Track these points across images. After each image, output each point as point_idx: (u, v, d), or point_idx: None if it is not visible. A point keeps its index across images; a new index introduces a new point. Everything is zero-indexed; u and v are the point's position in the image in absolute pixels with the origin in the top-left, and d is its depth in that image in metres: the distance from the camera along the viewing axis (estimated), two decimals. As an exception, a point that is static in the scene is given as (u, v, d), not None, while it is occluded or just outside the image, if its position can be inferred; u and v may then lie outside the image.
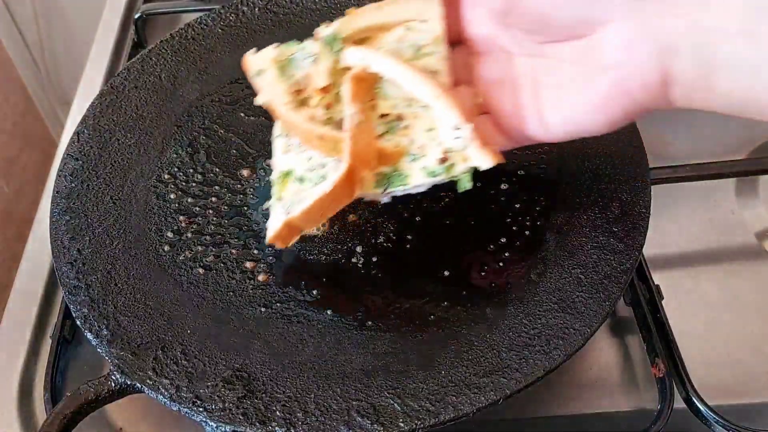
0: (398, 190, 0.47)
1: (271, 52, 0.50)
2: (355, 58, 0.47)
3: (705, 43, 0.35)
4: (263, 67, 0.50)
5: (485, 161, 0.44)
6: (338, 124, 0.47)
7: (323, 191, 0.45)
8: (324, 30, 0.49)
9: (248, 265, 0.53)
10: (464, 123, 0.44)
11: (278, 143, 0.50)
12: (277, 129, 0.51)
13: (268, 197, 0.50)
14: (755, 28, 0.33)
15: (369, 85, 0.48)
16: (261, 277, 0.52)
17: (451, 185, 0.46)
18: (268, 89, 0.49)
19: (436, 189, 0.48)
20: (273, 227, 0.48)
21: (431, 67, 0.47)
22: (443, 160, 0.45)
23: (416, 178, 0.45)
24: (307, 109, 0.48)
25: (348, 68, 0.48)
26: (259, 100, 0.49)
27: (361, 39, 0.49)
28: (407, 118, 0.47)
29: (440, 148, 0.45)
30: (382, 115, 0.47)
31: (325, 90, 0.48)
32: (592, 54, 0.40)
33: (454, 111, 0.44)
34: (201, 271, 0.52)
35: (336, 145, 0.46)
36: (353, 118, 0.45)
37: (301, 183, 0.48)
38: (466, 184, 0.45)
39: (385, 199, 0.49)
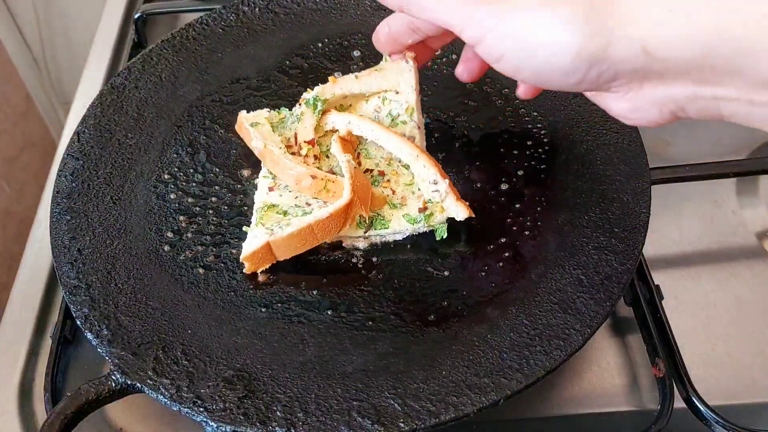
0: (379, 234, 0.53)
1: (264, 113, 0.57)
2: (342, 122, 0.55)
3: (710, 107, 0.38)
4: (258, 121, 0.57)
5: (460, 213, 0.51)
6: (328, 173, 0.53)
7: (315, 218, 0.49)
8: (307, 95, 0.56)
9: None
10: (441, 179, 0.51)
11: (264, 182, 0.55)
12: (264, 171, 0.55)
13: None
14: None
15: (353, 145, 0.55)
16: (261, 278, 0.52)
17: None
18: (263, 137, 0.55)
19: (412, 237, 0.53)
20: (252, 245, 0.50)
21: (407, 134, 0.55)
22: (423, 209, 0.52)
23: (397, 224, 0.52)
24: (298, 157, 0.54)
25: (333, 131, 0.55)
26: (256, 144, 0.54)
27: (341, 106, 0.57)
28: (388, 174, 0.55)
29: (420, 199, 0.52)
30: (365, 171, 0.55)
31: (311, 143, 0.54)
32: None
33: (432, 169, 0.52)
34: (201, 271, 0.52)
35: (327, 185, 0.51)
36: (350, 163, 0.52)
37: (285, 216, 0.52)
38: (443, 233, 0.52)
39: (363, 245, 0.53)
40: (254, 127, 0.56)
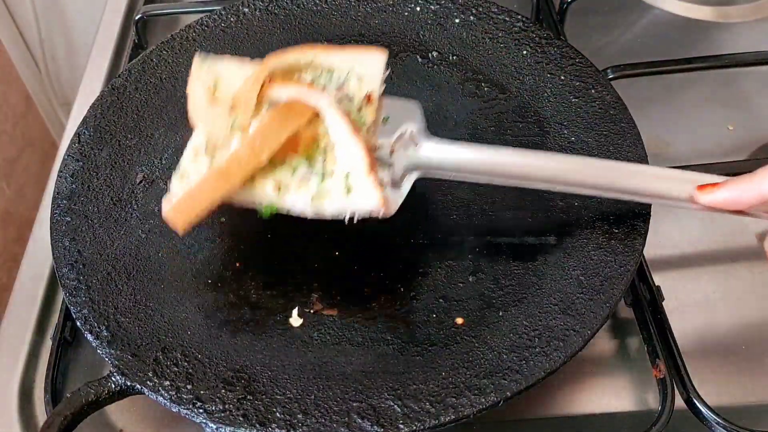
0: (295, 203, 0.48)
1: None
2: (293, 92, 0.50)
3: None
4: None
5: (374, 197, 0.46)
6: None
7: (222, 163, 0.46)
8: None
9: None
10: (366, 161, 0.47)
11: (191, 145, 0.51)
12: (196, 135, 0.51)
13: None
14: None
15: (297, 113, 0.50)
16: (262, 278, 0.52)
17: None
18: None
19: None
20: (173, 197, 0.47)
21: (365, 120, 0.50)
22: (345, 186, 0.47)
23: (311, 191, 0.47)
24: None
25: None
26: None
27: (288, 72, 0.52)
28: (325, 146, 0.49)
29: (343, 173, 0.48)
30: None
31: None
32: None
33: (361, 151, 0.47)
34: (201, 271, 0.52)
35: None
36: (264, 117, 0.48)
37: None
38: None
39: (296, 211, 0.49)
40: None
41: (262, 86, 0.50)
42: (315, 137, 0.49)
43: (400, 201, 0.49)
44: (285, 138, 0.48)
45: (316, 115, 0.49)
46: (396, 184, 0.50)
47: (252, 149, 0.47)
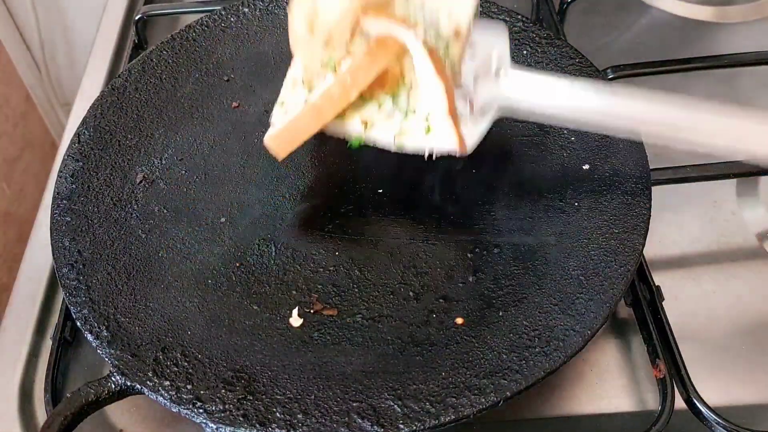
0: (379, 138, 0.51)
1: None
2: (383, 26, 0.50)
3: None
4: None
5: (451, 139, 0.49)
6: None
7: (323, 90, 0.49)
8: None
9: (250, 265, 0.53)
10: (446, 103, 0.48)
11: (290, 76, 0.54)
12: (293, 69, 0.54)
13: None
14: None
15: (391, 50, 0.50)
16: (262, 278, 0.52)
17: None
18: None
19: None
20: (274, 126, 0.50)
21: (452, 56, 0.51)
22: (426, 126, 0.50)
23: (394, 129, 0.50)
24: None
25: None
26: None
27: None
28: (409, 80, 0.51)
29: (424, 112, 0.49)
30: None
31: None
32: None
33: (443, 93, 0.48)
34: (201, 272, 0.52)
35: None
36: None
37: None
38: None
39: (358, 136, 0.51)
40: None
41: (357, 19, 0.51)
42: (401, 73, 0.51)
43: (478, 138, 0.50)
44: (374, 76, 0.49)
45: (404, 51, 0.50)
46: (476, 118, 0.49)
47: (343, 87, 0.49)
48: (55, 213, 0.55)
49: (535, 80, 0.50)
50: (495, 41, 0.52)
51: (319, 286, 0.52)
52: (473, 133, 0.50)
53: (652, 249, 0.58)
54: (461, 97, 0.50)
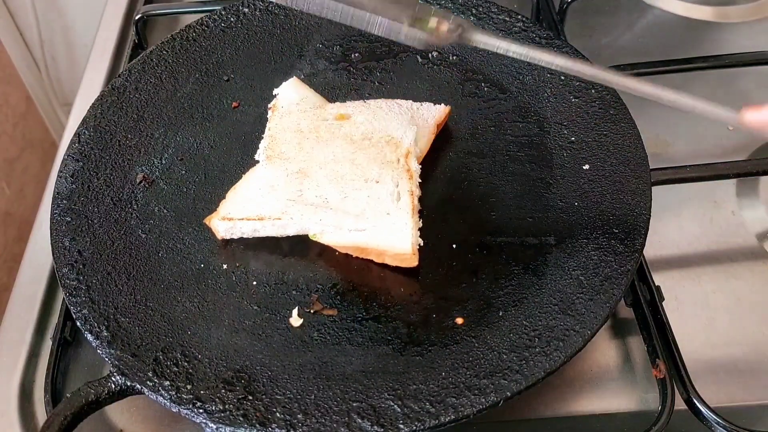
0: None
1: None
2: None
3: None
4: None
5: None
6: None
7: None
8: None
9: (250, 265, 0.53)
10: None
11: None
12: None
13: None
14: None
15: None
16: (262, 278, 0.52)
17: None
18: None
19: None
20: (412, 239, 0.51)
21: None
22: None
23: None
24: None
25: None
26: None
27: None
28: None
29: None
30: None
31: None
32: None
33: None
34: (201, 272, 0.52)
35: None
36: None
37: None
38: None
39: None
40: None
41: None
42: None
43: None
44: None
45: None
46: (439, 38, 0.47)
47: None
48: (55, 213, 0.55)
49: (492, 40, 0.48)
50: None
51: (319, 286, 0.52)
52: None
53: (652, 249, 0.58)
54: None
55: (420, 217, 0.53)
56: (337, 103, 0.59)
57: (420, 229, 0.52)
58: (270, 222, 0.53)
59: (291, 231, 0.53)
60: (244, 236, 0.54)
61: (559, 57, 0.46)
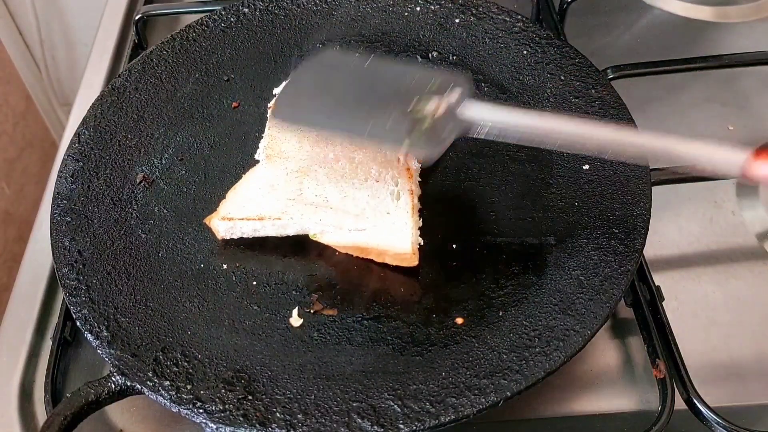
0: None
1: None
2: None
3: None
4: None
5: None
6: None
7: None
8: None
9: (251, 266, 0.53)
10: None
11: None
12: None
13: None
14: None
15: None
16: (262, 278, 0.52)
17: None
18: None
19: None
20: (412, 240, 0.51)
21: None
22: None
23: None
24: None
25: None
26: None
27: None
28: None
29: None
30: None
31: None
32: None
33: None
34: (200, 272, 0.52)
35: None
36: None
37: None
38: None
39: None
40: None
41: None
42: None
43: (440, 152, 0.50)
44: None
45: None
46: (440, 136, 0.49)
47: None
48: (55, 213, 0.55)
49: (490, 109, 0.49)
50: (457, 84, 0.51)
51: (319, 286, 0.52)
52: (437, 150, 0.50)
53: (652, 249, 0.58)
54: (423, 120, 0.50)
55: (420, 217, 0.53)
56: None
57: (420, 229, 0.52)
58: (270, 222, 0.53)
59: (291, 231, 0.53)
60: (244, 236, 0.54)
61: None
